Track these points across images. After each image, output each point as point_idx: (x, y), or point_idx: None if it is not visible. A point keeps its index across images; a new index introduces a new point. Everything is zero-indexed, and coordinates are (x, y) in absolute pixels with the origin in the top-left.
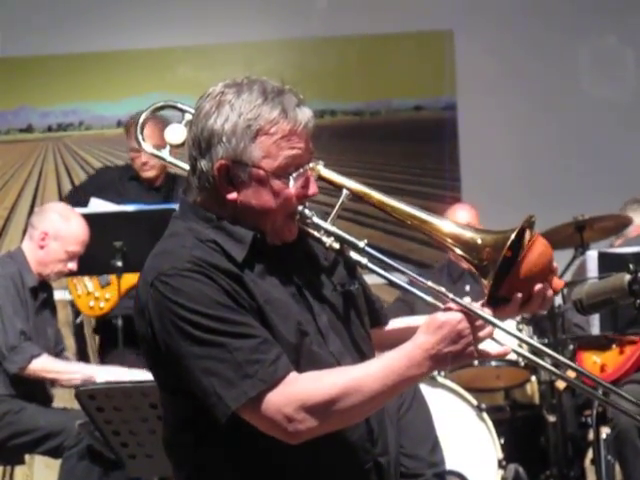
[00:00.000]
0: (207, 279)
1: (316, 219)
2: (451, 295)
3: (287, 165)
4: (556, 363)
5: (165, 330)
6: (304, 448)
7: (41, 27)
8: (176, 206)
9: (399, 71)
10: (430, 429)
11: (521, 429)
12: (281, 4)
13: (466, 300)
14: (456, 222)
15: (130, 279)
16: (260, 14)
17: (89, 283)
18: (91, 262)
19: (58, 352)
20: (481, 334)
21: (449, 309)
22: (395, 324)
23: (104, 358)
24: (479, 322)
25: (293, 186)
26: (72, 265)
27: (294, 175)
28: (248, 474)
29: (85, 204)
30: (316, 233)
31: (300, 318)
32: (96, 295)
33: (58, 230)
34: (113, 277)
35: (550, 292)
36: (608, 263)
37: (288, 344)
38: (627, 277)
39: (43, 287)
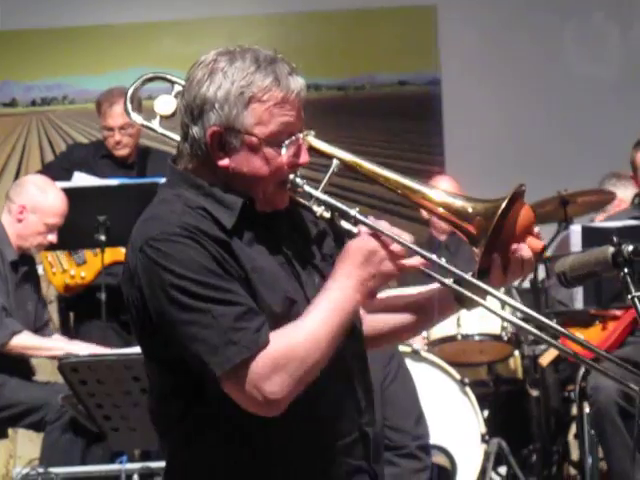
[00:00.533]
0: (196, 244)
1: (307, 187)
2: (354, 212)
3: (279, 132)
4: (540, 326)
5: (154, 296)
6: (289, 417)
7: (25, 1)
8: (159, 179)
9: (383, 46)
10: (414, 401)
11: (504, 404)
12: None
13: (378, 222)
14: (447, 191)
15: (106, 257)
16: None
17: (64, 261)
18: (75, 236)
19: (41, 326)
20: (393, 248)
21: (358, 234)
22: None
23: (78, 332)
24: (383, 237)
25: (285, 154)
26: (52, 237)
27: (286, 142)
28: (233, 442)
29: (59, 180)
30: (306, 202)
31: (288, 287)
32: (72, 273)
33: (36, 203)
34: (89, 255)
35: (527, 252)
36: (592, 237)
37: (272, 313)
38: (611, 249)
39: (24, 260)
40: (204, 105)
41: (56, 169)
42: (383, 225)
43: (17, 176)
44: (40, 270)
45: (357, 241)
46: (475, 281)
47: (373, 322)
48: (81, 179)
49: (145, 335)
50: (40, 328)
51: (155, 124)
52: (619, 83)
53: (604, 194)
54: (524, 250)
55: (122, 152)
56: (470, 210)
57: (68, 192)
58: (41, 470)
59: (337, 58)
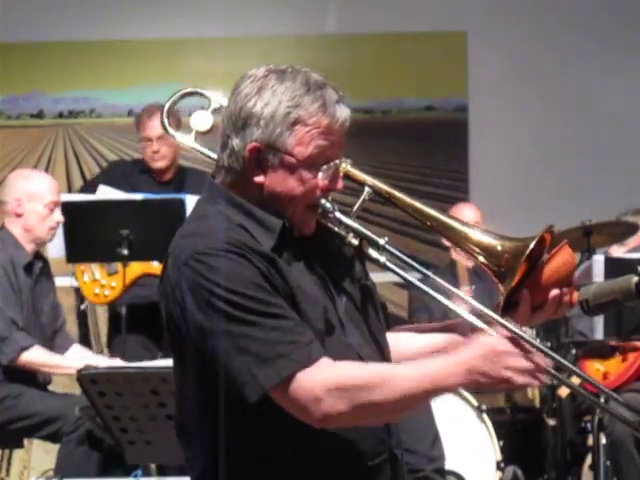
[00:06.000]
0: (244, 260)
1: (338, 213)
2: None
3: (317, 156)
4: (558, 367)
5: (198, 308)
6: (324, 436)
7: (56, 13)
8: (184, 196)
9: (412, 71)
10: (431, 424)
11: (521, 432)
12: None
13: (519, 329)
14: (477, 226)
15: (136, 268)
16: (276, 9)
17: (96, 270)
18: (97, 249)
19: (57, 330)
20: (521, 365)
21: (499, 334)
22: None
23: (111, 346)
24: (522, 343)
25: (320, 178)
26: (57, 216)
27: (323, 168)
28: (266, 458)
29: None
30: (335, 228)
31: (326, 307)
32: (102, 283)
33: (27, 191)
34: (120, 265)
35: (567, 298)
36: (615, 268)
37: (316, 330)
38: (635, 279)
39: (38, 259)
40: (248, 119)
41: (97, 185)
42: (527, 334)
43: None
44: (71, 281)
45: (493, 337)
46: (495, 316)
47: (402, 349)
48: (105, 192)
49: (182, 347)
50: (56, 332)
51: (190, 140)
52: None
53: (627, 226)
54: (565, 296)
55: (160, 164)
56: (499, 248)
57: (92, 205)
58: None
59: (366, 81)
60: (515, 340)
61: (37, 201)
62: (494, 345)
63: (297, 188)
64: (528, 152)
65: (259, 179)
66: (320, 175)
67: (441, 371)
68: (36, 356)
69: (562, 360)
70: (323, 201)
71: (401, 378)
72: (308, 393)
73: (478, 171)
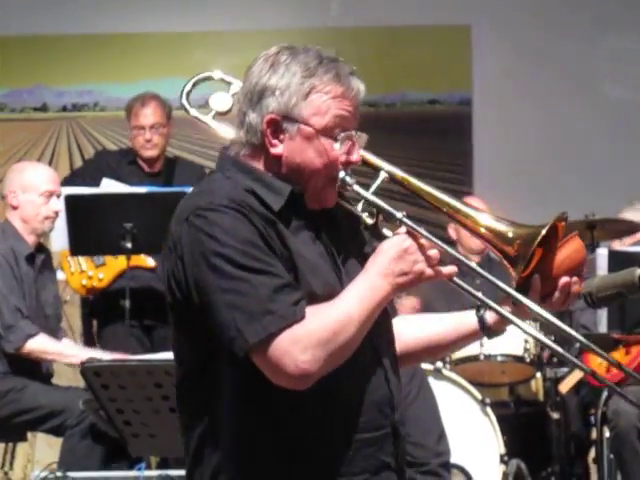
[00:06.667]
0: (243, 217)
1: (357, 187)
2: (400, 215)
3: (335, 125)
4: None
5: (195, 262)
6: (324, 402)
7: (59, 7)
8: (188, 189)
9: (416, 64)
10: (437, 419)
11: (524, 425)
12: None
13: (421, 228)
14: (490, 214)
15: (122, 263)
16: (280, 2)
17: (83, 262)
18: (101, 242)
19: (57, 323)
20: (429, 253)
21: (397, 234)
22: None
23: (100, 337)
24: (423, 240)
25: (339, 148)
26: (55, 205)
27: (341, 136)
28: (263, 428)
29: (85, 187)
30: (351, 207)
31: (328, 277)
32: (89, 274)
33: (20, 182)
34: (109, 257)
35: (576, 288)
36: (618, 261)
37: (313, 294)
38: (638, 271)
39: (40, 251)
40: (264, 91)
41: (82, 176)
42: (423, 229)
43: None
44: (60, 275)
45: (394, 238)
46: (515, 293)
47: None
48: (109, 186)
49: (179, 302)
50: (56, 325)
51: (209, 118)
52: None
53: (630, 225)
54: (575, 285)
55: (151, 152)
56: (511, 235)
57: (96, 198)
58: (59, 474)
59: (370, 75)
60: (413, 234)
61: (31, 192)
62: (399, 244)
63: (316, 159)
64: (532, 145)
65: (277, 151)
66: (338, 145)
67: (368, 288)
68: (42, 344)
69: (565, 353)
70: (343, 174)
71: (353, 311)
72: (284, 354)
73: (482, 164)
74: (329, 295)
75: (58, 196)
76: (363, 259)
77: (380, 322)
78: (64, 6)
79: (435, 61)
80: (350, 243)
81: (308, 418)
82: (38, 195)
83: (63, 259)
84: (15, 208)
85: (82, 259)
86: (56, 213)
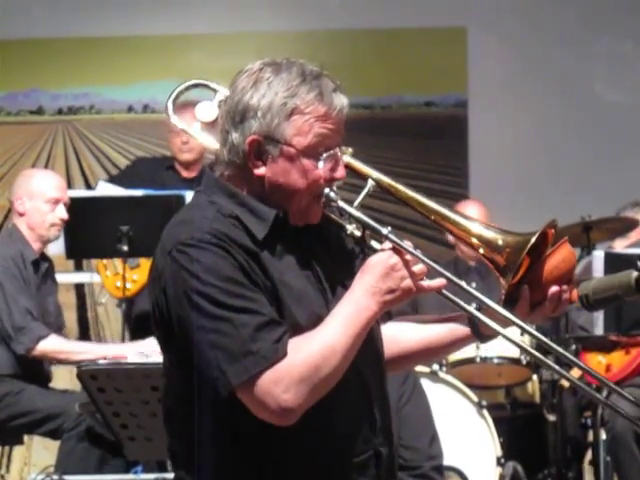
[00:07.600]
0: (224, 252)
1: (341, 203)
2: (385, 231)
3: (317, 144)
4: (560, 361)
5: (177, 300)
6: (304, 432)
7: (55, 9)
8: (184, 192)
9: (411, 66)
10: (429, 422)
11: (521, 427)
12: None
13: (406, 243)
14: (479, 221)
15: None
16: (274, 5)
17: (118, 265)
18: (97, 245)
19: (60, 328)
20: (415, 269)
21: (382, 250)
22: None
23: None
24: (408, 256)
25: (322, 167)
26: (60, 212)
27: (324, 156)
28: (245, 455)
29: None
30: (338, 219)
31: (314, 303)
32: (124, 276)
33: (26, 189)
34: (143, 259)
35: (566, 296)
36: (615, 264)
37: (297, 325)
38: (635, 274)
39: (44, 259)
40: (246, 112)
41: (120, 183)
42: (408, 244)
43: None
44: (95, 277)
45: (379, 255)
46: (500, 308)
47: (394, 344)
48: (105, 188)
49: (165, 335)
50: (60, 326)
51: (195, 130)
52: None
53: (627, 221)
54: (565, 294)
55: (188, 156)
56: (500, 242)
57: (92, 201)
58: (56, 477)
59: (365, 77)
60: (398, 251)
61: (37, 199)
62: (384, 261)
63: (299, 180)
64: (528, 148)
65: (260, 172)
66: (321, 164)
67: (354, 310)
68: (54, 345)
69: (564, 352)
70: (327, 190)
71: (335, 339)
72: (266, 393)
73: (478, 167)
74: (314, 325)
75: (65, 204)
76: (351, 273)
77: (366, 340)
78: (59, 9)
79: (431, 63)
80: (338, 256)
81: (288, 447)
82: (44, 202)
83: (98, 264)
84: (22, 215)
85: (117, 261)
86: (62, 220)
